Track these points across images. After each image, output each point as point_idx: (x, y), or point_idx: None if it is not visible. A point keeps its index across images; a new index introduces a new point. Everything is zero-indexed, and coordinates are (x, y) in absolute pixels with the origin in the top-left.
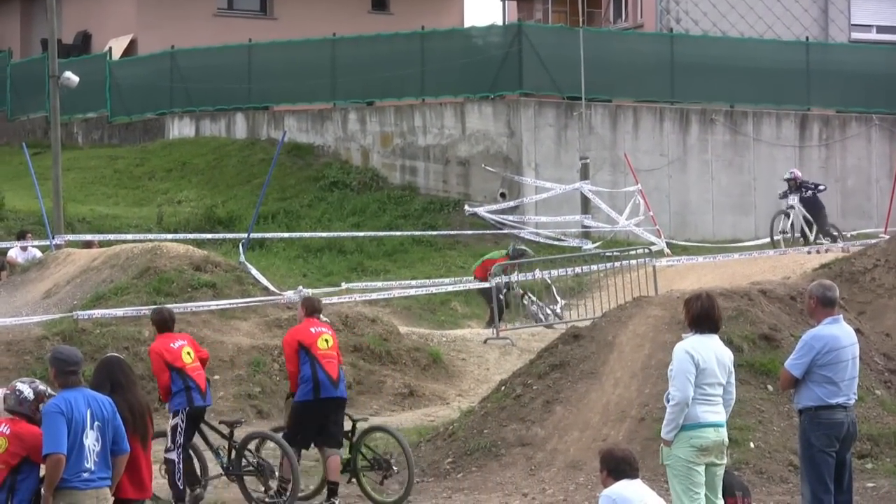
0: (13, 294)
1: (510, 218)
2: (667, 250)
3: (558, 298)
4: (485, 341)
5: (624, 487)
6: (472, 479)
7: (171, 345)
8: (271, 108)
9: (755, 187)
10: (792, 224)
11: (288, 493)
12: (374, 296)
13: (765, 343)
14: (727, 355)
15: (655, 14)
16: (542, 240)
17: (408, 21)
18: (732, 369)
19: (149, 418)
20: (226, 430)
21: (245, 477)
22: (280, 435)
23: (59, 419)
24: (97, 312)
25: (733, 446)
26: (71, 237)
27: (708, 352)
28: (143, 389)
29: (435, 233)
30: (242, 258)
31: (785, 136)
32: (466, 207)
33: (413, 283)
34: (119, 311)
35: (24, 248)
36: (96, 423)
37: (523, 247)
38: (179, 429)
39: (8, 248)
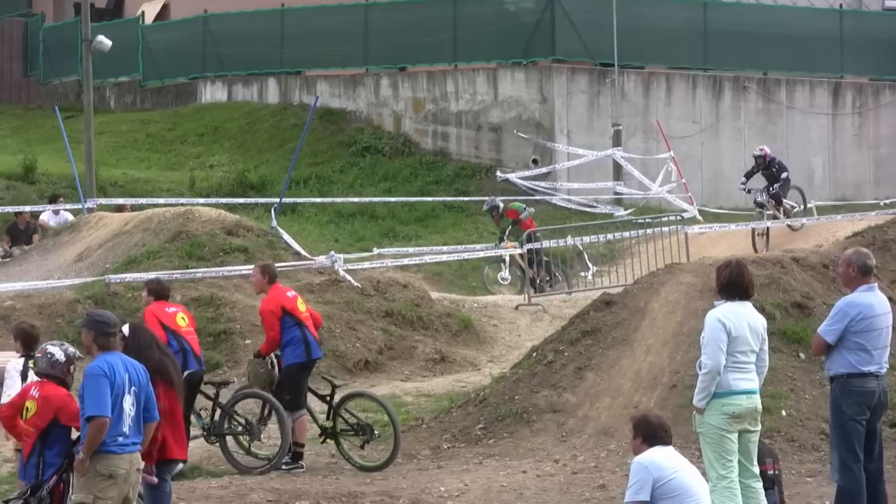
0: (45, 257)
1: (542, 184)
2: (699, 217)
3: (590, 265)
4: (516, 307)
5: (657, 454)
6: (503, 445)
7: (167, 310)
8: (303, 73)
9: (788, 155)
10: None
11: (278, 455)
12: (405, 261)
13: (797, 311)
14: (760, 323)
15: None
16: (574, 206)
17: None
18: (766, 337)
19: None
20: (211, 391)
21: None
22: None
23: (104, 381)
24: (129, 276)
25: (765, 414)
26: (103, 201)
27: (740, 319)
28: None
29: (467, 199)
30: (274, 223)
31: (818, 103)
32: (498, 173)
33: (444, 248)
34: (151, 275)
35: (56, 212)
36: (133, 388)
37: (497, 201)
38: None
39: (40, 212)
